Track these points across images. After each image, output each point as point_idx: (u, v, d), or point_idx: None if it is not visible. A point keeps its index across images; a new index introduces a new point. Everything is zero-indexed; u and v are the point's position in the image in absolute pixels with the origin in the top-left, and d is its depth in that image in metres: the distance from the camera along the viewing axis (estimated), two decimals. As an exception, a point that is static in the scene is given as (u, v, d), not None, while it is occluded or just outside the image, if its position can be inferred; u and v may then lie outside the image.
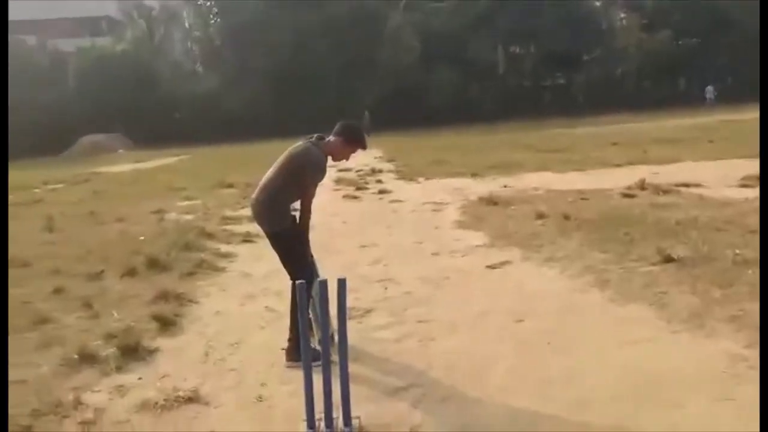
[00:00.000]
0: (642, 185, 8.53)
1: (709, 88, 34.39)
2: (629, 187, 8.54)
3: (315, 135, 3.81)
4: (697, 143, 14.57)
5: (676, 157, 12.10)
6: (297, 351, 3.40)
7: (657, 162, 11.70)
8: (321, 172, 3.70)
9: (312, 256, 3.86)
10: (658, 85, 40.53)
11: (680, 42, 38.39)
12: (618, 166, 11.71)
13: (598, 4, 42.38)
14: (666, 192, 8.09)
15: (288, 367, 3.59)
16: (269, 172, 3.79)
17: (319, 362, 2.74)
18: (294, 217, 3.81)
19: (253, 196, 3.84)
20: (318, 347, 3.33)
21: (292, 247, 3.72)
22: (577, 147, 15.96)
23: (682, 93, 39.63)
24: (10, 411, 3.15)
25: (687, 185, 8.52)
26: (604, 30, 40.37)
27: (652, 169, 10.71)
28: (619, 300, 4.28)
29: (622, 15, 43.79)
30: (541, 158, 13.93)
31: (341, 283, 2.73)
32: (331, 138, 3.76)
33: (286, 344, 3.68)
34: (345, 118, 4.04)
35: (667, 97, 36.78)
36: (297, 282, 2.79)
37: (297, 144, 3.79)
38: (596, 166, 12.00)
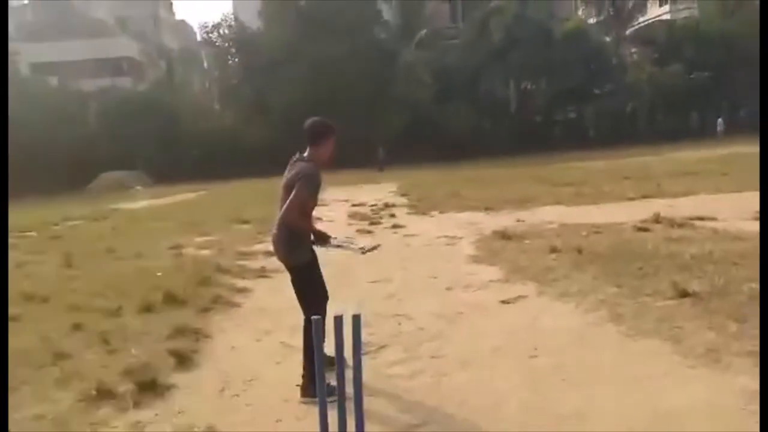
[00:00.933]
0: (656, 219, 8.50)
1: (720, 121, 34.42)
2: (643, 221, 8.52)
3: (296, 154, 3.82)
4: (711, 176, 14.52)
5: (690, 191, 12.07)
6: (311, 387, 3.45)
7: (671, 195, 11.67)
8: (316, 183, 3.71)
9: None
10: (670, 118, 40.55)
11: (692, 76, 38.49)
12: (631, 199, 11.69)
13: (608, 39, 42.81)
14: (680, 226, 8.05)
15: (303, 402, 3.62)
16: (278, 205, 3.84)
17: (335, 397, 2.76)
18: (313, 252, 3.87)
19: (272, 230, 3.93)
20: (333, 383, 3.36)
21: (307, 282, 3.78)
22: (590, 181, 15.97)
23: (695, 126, 39.61)
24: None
25: (701, 219, 8.47)
26: (614, 65, 40.70)
27: (665, 202, 10.68)
28: (634, 335, 4.26)
29: (633, 50, 44.22)
30: (554, 192, 13.95)
31: (356, 319, 2.78)
32: (313, 147, 3.77)
33: (300, 380, 3.71)
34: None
35: (679, 130, 36.79)
36: (312, 318, 2.84)
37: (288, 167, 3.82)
38: (609, 199, 11.99)
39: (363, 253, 4.03)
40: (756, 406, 3.08)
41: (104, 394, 3.82)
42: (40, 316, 5.91)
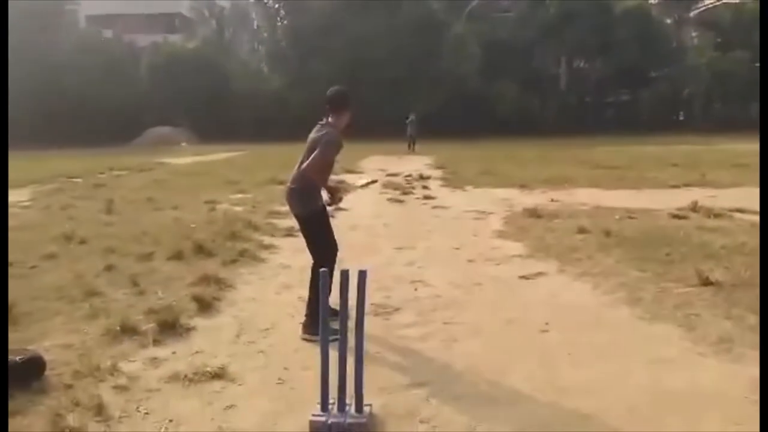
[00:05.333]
0: (694, 207, 8.28)
1: None
2: (680, 209, 8.30)
3: (322, 119, 4.08)
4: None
5: (737, 182, 11.64)
6: (312, 326, 3.83)
7: (715, 186, 11.29)
8: (337, 146, 4.00)
9: None
10: (728, 107, 38.89)
11: (757, 63, 36.63)
12: (674, 187, 11.37)
13: (669, 21, 41.05)
14: (717, 216, 7.82)
15: (303, 339, 3.97)
16: (298, 162, 4.10)
17: (336, 336, 2.89)
18: (323, 203, 4.14)
19: (286, 185, 4.19)
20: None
21: (319, 231, 4.07)
22: (635, 166, 15.57)
23: (755, 117, 37.86)
24: (56, 370, 3.43)
25: (741, 211, 8.19)
26: (674, 47, 39.07)
27: (708, 192, 10.35)
28: (648, 318, 4.22)
29: (695, 33, 42.32)
30: (594, 175, 13.67)
31: (362, 275, 2.86)
32: (335, 115, 4.05)
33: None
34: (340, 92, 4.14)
35: (737, 120, 35.26)
36: (320, 270, 2.94)
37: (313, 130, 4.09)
38: (651, 186, 11.69)
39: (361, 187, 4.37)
40: (759, 396, 3.06)
41: (127, 330, 4.04)
42: (77, 255, 6.23)
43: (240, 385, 3.37)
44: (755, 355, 3.54)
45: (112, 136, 33.63)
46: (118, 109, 36.01)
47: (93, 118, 35.07)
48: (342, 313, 2.91)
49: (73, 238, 6.92)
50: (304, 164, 3.91)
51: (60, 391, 3.20)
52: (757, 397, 3.06)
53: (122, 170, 17.33)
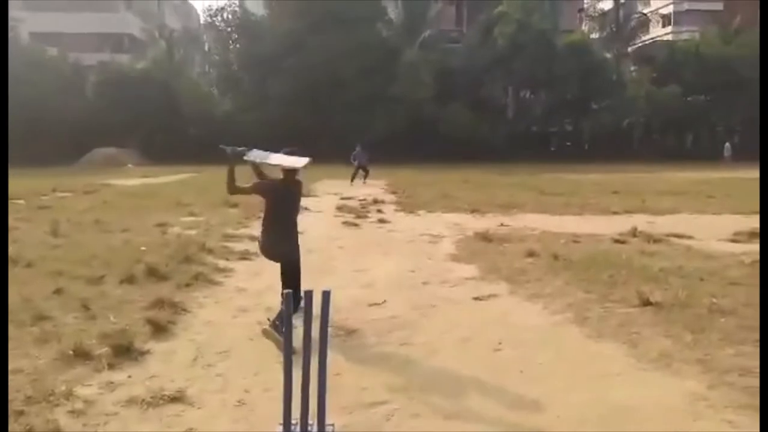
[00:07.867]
0: (634, 233, 8.71)
1: (727, 146, 34.46)
2: (621, 234, 8.72)
3: None
4: (697, 197, 14.78)
5: (674, 209, 12.29)
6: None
7: (654, 212, 11.89)
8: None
9: None
10: (665, 138, 40.98)
11: (689, 98, 38.92)
12: (615, 213, 11.90)
13: (609, 55, 43.14)
14: (656, 241, 8.26)
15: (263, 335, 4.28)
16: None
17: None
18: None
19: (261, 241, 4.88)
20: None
21: (297, 271, 4.73)
22: (579, 192, 16.19)
23: (690, 148, 40.04)
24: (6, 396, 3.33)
25: (678, 236, 8.68)
26: (614, 81, 41.00)
27: (647, 218, 10.90)
28: (595, 336, 4.45)
29: (633, 67, 44.58)
30: (541, 200, 14.15)
31: (325, 295, 2.93)
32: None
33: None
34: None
35: (674, 151, 37.21)
36: (285, 291, 3.00)
37: None
38: (594, 212, 12.20)
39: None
40: (695, 408, 3.29)
41: (81, 354, 3.95)
42: (24, 279, 6.01)
43: (199, 408, 3.36)
44: (692, 369, 3.80)
45: (54, 156, 32.43)
46: (61, 129, 34.82)
47: (35, 137, 33.76)
48: (306, 333, 2.96)
49: (18, 261, 6.68)
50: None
51: (11, 417, 3.11)
52: (695, 408, 3.30)
53: (66, 192, 16.77)
